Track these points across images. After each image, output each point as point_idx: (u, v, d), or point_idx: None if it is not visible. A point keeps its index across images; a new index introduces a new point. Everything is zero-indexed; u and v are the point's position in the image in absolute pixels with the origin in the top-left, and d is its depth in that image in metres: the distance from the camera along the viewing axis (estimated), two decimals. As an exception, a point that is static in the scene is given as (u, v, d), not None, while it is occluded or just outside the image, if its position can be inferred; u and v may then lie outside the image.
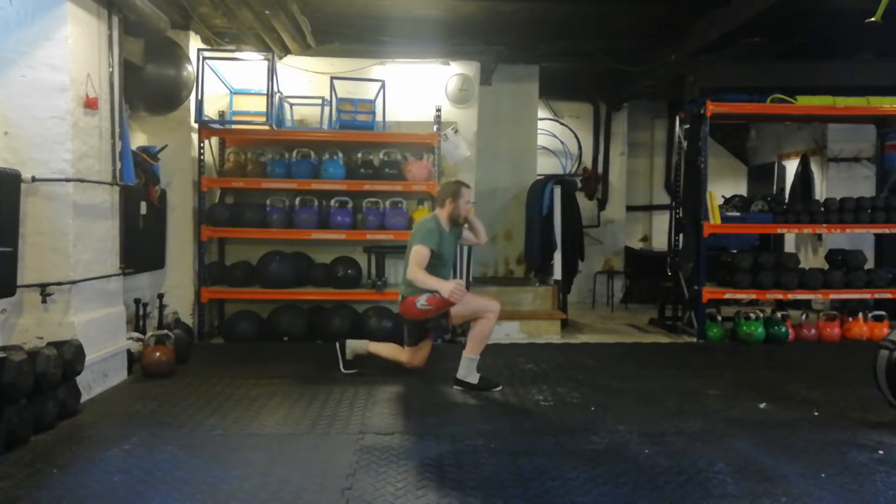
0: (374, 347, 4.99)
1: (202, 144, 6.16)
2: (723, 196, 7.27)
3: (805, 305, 7.50)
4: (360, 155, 6.45)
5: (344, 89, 6.41)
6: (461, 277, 6.26)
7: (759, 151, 9.66)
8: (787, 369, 5.31)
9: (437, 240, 4.60)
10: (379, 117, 6.32)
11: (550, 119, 9.39)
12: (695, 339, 6.48)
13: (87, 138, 4.18)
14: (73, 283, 4.06)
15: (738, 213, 6.75)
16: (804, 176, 8.15)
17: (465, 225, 4.91)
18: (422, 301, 4.52)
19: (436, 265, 4.61)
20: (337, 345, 5.02)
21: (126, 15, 4.53)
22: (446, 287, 4.35)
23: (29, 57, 3.95)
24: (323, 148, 6.36)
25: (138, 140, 5.58)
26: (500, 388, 4.53)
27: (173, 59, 5.51)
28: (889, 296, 6.59)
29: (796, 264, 6.73)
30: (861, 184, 7.83)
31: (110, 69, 4.41)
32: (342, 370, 4.92)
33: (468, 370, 4.53)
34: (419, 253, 4.52)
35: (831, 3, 5.66)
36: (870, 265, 6.99)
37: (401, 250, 6.50)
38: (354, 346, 4.99)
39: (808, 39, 6.73)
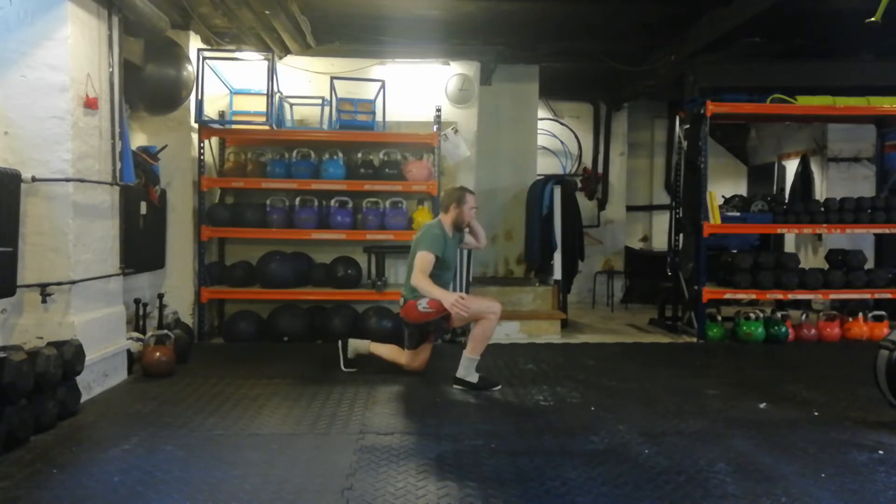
0: (376, 348, 5.02)
1: (202, 144, 6.16)
2: (723, 196, 7.27)
3: (805, 305, 7.50)
4: (360, 155, 6.45)
5: (344, 89, 6.41)
6: (462, 279, 6.27)
7: (759, 151, 9.66)
8: (787, 369, 5.31)
9: (441, 246, 4.64)
10: (379, 117, 6.32)
11: (550, 119, 9.39)
12: (695, 339, 6.47)
13: (87, 138, 4.18)
14: (73, 283, 4.05)
15: (738, 213, 6.75)
16: (804, 176, 8.15)
17: (467, 229, 4.92)
18: (423, 304, 4.55)
19: (439, 270, 4.63)
20: (339, 343, 5.06)
21: (126, 15, 4.52)
22: (448, 299, 4.37)
23: (29, 57, 3.94)
24: (323, 148, 6.36)
25: (138, 140, 5.58)
26: (499, 387, 4.53)
27: (173, 59, 5.51)
28: (889, 296, 6.59)
29: (796, 264, 6.73)
30: (861, 184, 7.83)
31: (110, 69, 4.41)
32: (343, 368, 4.97)
33: (468, 370, 4.54)
34: (425, 259, 4.53)
35: (831, 3, 5.67)
36: (870, 265, 6.99)
37: (401, 250, 6.54)
38: (356, 345, 5.04)
39: (808, 39, 6.73)
